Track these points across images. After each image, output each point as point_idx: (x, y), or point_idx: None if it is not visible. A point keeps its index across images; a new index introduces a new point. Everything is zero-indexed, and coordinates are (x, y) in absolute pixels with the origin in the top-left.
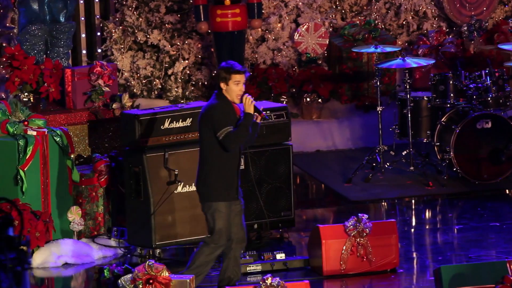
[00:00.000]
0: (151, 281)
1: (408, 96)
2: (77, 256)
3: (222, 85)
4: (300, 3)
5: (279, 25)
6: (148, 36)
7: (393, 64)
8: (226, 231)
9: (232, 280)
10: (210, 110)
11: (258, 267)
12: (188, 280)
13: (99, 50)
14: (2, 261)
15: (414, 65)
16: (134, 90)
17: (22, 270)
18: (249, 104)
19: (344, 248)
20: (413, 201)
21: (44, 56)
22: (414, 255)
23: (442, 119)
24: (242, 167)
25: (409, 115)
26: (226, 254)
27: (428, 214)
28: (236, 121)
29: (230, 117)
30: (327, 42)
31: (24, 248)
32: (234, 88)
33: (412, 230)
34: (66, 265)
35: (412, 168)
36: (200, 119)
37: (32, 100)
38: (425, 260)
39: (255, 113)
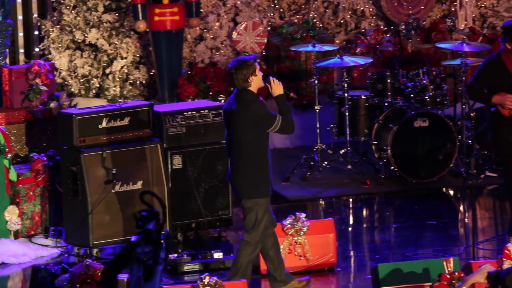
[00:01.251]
0: (88, 280)
1: (346, 95)
2: (14, 255)
3: (251, 78)
4: (239, 2)
5: (217, 24)
6: (86, 35)
7: (331, 63)
8: (262, 226)
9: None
10: (250, 111)
11: (196, 266)
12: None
13: (37, 49)
14: None
15: (352, 64)
16: (72, 89)
17: None
18: (278, 85)
19: (281, 246)
20: (350, 199)
21: None
22: (352, 253)
23: (380, 118)
24: (180, 166)
25: (347, 113)
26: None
27: (365, 212)
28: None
29: (269, 109)
30: (265, 41)
31: None
32: (259, 75)
33: (350, 228)
34: (3, 264)
35: (349, 166)
36: (235, 119)
37: None
38: (362, 258)
39: (286, 92)
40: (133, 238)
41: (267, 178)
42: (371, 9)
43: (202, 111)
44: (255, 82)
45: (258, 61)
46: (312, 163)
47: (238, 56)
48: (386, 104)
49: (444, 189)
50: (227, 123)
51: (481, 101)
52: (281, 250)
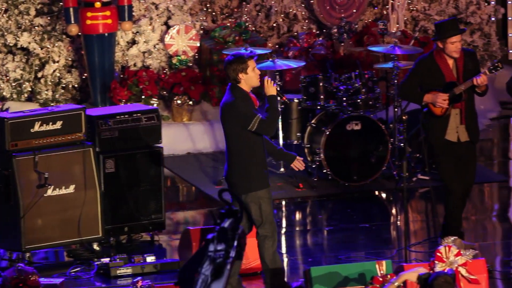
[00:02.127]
0: (20, 285)
1: (279, 98)
2: None
3: (241, 75)
4: (171, 6)
5: (149, 27)
6: (17, 38)
7: (264, 66)
8: (273, 216)
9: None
10: (232, 106)
11: (129, 270)
12: None
13: None
14: None
15: (285, 67)
16: (4, 93)
17: None
18: (272, 86)
19: None
20: (283, 203)
21: None
22: (285, 256)
23: (312, 121)
24: (112, 170)
25: (280, 117)
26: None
27: (298, 215)
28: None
29: (253, 107)
30: (198, 44)
31: None
32: (253, 74)
33: (283, 231)
34: None
35: (282, 169)
36: (223, 115)
37: None
38: (295, 261)
39: (279, 95)
40: (209, 236)
41: (262, 171)
42: (303, 13)
43: (135, 115)
44: (245, 80)
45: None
46: None
47: (236, 51)
48: (318, 107)
49: (376, 192)
50: (220, 119)
51: (413, 100)
52: None
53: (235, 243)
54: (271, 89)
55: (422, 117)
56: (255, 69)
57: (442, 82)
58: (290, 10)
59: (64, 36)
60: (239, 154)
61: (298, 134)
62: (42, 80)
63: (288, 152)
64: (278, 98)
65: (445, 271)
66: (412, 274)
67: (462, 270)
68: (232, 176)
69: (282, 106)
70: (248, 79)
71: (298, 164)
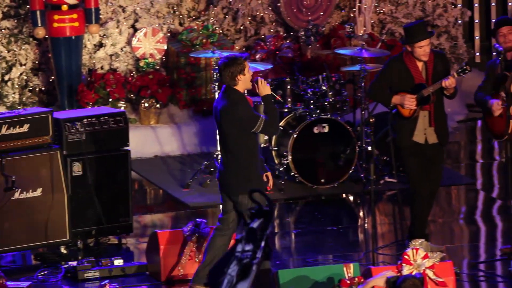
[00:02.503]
0: None
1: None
2: None
3: (239, 77)
4: (138, 8)
5: (116, 30)
6: None
7: None
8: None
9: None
10: (235, 109)
11: (96, 273)
12: None
13: None
14: None
15: (252, 70)
16: None
17: None
18: (266, 86)
19: (182, 253)
20: None
21: None
22: None
23: (280, 124)
24: (80, 173)
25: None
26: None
27: None
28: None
29: (252, 109)
30: (165, 47)
31: None
32: (248, 75)
33: None
34: None
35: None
36: (224, 118)
37: None
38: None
39: (273, 94)
40: (237, 236)
41: (258, 174)
42: (270, 16)
43: (102, 118)
44: (243, 81)
45: (248, 60)
46: (212, 169)
47: (230, 53)
48: (286, 110)
49: (344, 195)
50: (216, 120)
51: (381, 101)
52: (181, 257)
53: (263, 244)
54: (265, 89)
55: (391, 118)
56: (249, 70)
57: (411, 83)
58: (257, 13)
59: (31, 39)
60: (239, 156)
61: (265, 137)
62: (9, 83)
63: (265, 166)
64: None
65: (413, 274)
66: (379, 279)
67: (430, 273)
68: (230, 177)
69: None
70: (245, 80)
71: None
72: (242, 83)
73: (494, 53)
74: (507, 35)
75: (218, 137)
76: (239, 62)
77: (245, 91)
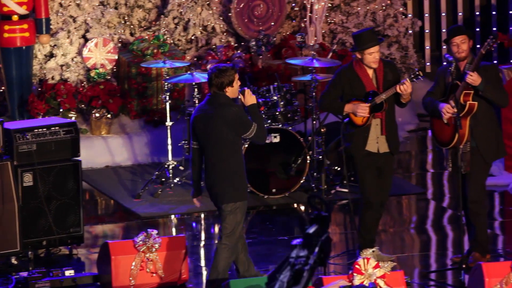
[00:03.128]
0: None
1: None
2: None
3: (228, 88)
4: (89, 19)
5: (67, 40)
6: None
7: (182, 79)
8: (241, 227)
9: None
10: (226, 112)
11: (47, 284)
12: None
13: None
14: None
15: (203, 80)
16: None
17: None
18: (252, 96)
19: (133, 263)
20: (202, 215)
21: None
22: (204, 270)
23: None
24: (30, 183)
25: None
26: (239, 252)
27: (217, 228)
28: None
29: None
30: (116, 57)
31: None
32: (236, 86)
33: (202, 244)
34: None
35: (202, 183)
36: (212, 121)
37: None
38: None
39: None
40: (293, 242)
41: (245, 181)
42: (221, 26)
43: (53, 128)
44: (230, 92)
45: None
46: (163, 179)
47: (220, 64)
48: None
49: (295, 204)
50: (200, 130)
51: (333, 111)
52: (132, 267)
53: (317, 250)
54: (251, 98)
55: (343, 128)
56: (238, 81)
57: (363, 91)
58: (208, 23)
59: None
60: (227, 163)
61: None
62: None
63: (200, 186)
64: None
65: (364, 283)
66: None
67: (381, 282)
68: (216, 185)
69: (187, 118)
70: (232, 91)
71: (195, 201)
72: (230, 94)
73: (445, 63)
74: (460, 45)
75: (192, 146)
76: (229, 74)
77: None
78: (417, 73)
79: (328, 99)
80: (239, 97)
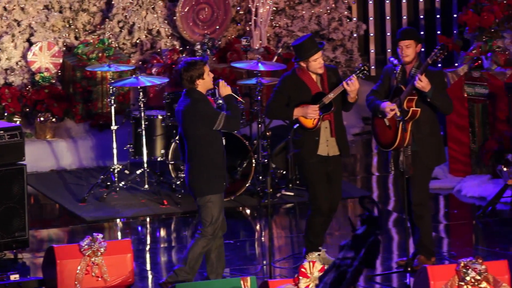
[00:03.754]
0: None
1: (142, 114)
2: None
3: (198, 81)
4: (33, 22)
5: (12, 44)
6: None
7: (127, 83)
8: (220, 222)
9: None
10: (195, 109)
11: None
12: None
13: None
14: None
15: (148, 84)
16: None
17: None
18: (226, 87)
19: (79, 268)
20: (148, 219)
21: None
22: (149, 273)
23: (177, 138)
24: None
25: (144, 134)
26: (212, 246)
27: (163, 232)
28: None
29: (213, 107)
30: (61, 61)
31: None
32: (208, 78)
33: (147, 248)
34: None
35: (147, 186)
36: (185, 119)
37: None
38: (160, 278)
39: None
40: (342, 243)
41: (219, 175)
42: (166, 29)
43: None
44: (202, 85)
45: (207, 63)
46: (109, 183)
47: (189, 58)
48: None
49: (241, 208)
50: (179, 125)
51: (283, 118)
52: (78, 271)
53: (363, 251)
54: (226, 89)
55: (292, 134)
56: (209, 73)
57: (309, 96)
58: (153, 27)
59: None
60: (199, 157)
61: (162, 150)
62: None
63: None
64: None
65: (310, 287)
66: None
67: None
68: (191, 180)
69: (133, 121)
70: (205, 83)
71: None
72: (202, 86)
73: (384, 68)
74: (404, 49)
75: (179, 143)
76: (198, 67)
77: (208, 92)
78: (363, 68)
79: (275, 107)
80: (215, 88)
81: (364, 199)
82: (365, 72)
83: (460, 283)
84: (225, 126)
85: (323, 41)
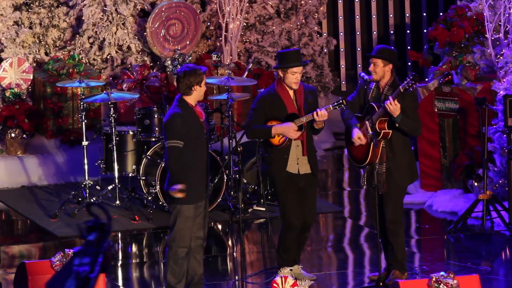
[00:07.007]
0: None
1: (113, 130)
2: None
3: (195, 87)
4: (3, 38)
5: None
6: None
7: (98, 98)
8: (188, 232)
9: (194, 278)
10: (172, 119)
11: None
12: None
13: None
14: None
15: (119, 100)
16: None
17: None
18: None
19: None
20: (119, 235)
21: None
22: None
23: (148, 153)
24: None
25: (115, 149)
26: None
27: (134, 248)
28: (198, 125)
29: (189, 125)
30: (31, 77)
31: None
32: (204, 88)
33: (119, 264)
34: None
35: (118, 202)
36: (164, 126)
37: None
38: None
39: None
40: (75, 249)
41: (194, 184)
42: (137, 45)
43: None
44: (197, 92)
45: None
46: (80, 199)
47: (189, 63)
48: (153, 139)
49: (212, 223)
50: None
51: (262, 137)
52: None
53: (101, 257)
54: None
55: (263, 151)
56: (205, 84)
57: (284, 113)
58: (124, 42)
59: None
60: (169, 168)
61: (133, 166)
62: None
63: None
64: None
65: None
66: None
67: None
68: (166, 185)
69: (104, 137)
70: (200, 91)
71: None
72: (196, 94)
73: (360, 81)
74: (372, 66)
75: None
76: (198, 73)
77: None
78: (340, 101)
79: (254, 127)
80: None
81: (90, 206)
82: (342, 106)
83: None
84: (167, 149)
85: (307, 60)
